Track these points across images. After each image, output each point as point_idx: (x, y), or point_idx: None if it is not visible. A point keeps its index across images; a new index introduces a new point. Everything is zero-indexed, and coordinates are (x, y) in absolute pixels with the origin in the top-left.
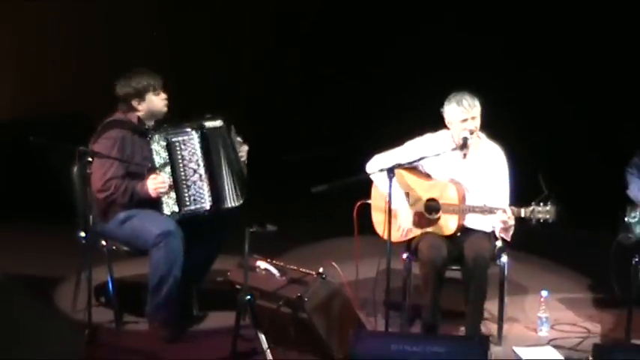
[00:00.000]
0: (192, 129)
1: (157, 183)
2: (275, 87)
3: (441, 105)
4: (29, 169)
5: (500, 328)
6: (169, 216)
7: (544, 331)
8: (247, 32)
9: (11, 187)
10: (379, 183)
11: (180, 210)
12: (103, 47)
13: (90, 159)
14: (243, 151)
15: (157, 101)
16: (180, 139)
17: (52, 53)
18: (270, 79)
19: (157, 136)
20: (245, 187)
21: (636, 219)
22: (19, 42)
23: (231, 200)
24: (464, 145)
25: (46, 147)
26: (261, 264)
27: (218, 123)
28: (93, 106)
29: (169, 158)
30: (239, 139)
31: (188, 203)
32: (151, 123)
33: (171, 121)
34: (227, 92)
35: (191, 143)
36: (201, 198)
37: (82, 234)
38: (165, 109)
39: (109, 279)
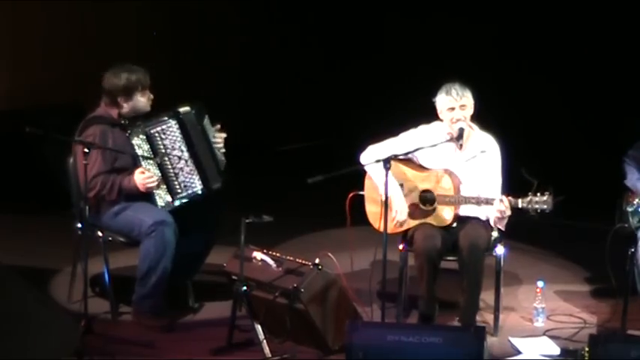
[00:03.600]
0: (169, 117)
1: (145, 178)
2: (269, 79)
3: (434, 97)
4: (24, 159)
5: (496, 319)
6: (164, 207)
7: (540, 322)
8: (240, 22)
9: (6, 177)
10: (374, 174)
11: (173, 199)
12: (98, 37)
13: (86, 150)
14: (220, 137)
15: (142, 101)
16: (159, 128)
17: (48, 43)
18: (265, 71)
19: (135, 130)
20: (221, 172)
21: (633, 209)
22: (14, 31)
23: (218, 179)
24: (460, 136)
25: (42, 137)
26: (258, 254)
27: (188, 108)
28: (88, 95)
29: (152, 150)
30: (217, 126)
31: (180, 191)
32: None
33: (148, 114)
34: (221, 85)
35: (170, 131)
36: (192, 183)
37: (78, 224)
38: (148, 108)
39: (105, 269)
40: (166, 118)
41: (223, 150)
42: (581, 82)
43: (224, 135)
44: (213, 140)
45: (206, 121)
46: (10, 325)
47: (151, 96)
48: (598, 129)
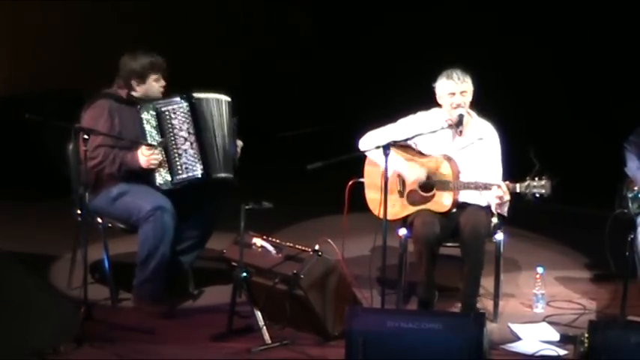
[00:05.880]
0: (182, 98)
1: (150, 155)
2: (269, 65)
3: (435, 82)
4: (24, 145)
5: (495, 305)
6: (162, 184)
7: (539, 308)
8: (241, 10)
9: (5, 164)
10: (376, 158)
11: (172, 179)
12: (97, 23)
13: (86, 136)
14: (238, 145)
15: (155, 87)
16: (169, 107)
17: (46, 29)
18: (265, 57)
19: (146, 106)
20: (233, 167)
21: (632, 194)
22: (14, 18)
23: (222, 170)
24: (459, 123)
25: (41, 124)
26: (257, 241)
27: (217, 96)
28: (88, 82)
29: (159, 127)
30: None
31: (180, 172)
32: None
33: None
34: (221, 70)
35: (181, 112)
36: (193, 166)
37: (78, 211)
38: (160, 95)
39: (105, 256)
40: (179, 99)
41: (239, 154)
42: (581, 67)
43: (241, 143)
44: (233, 138)
45: (231, 118)
46: (11, 312)
47: (164, 83)
48: (598, 115)
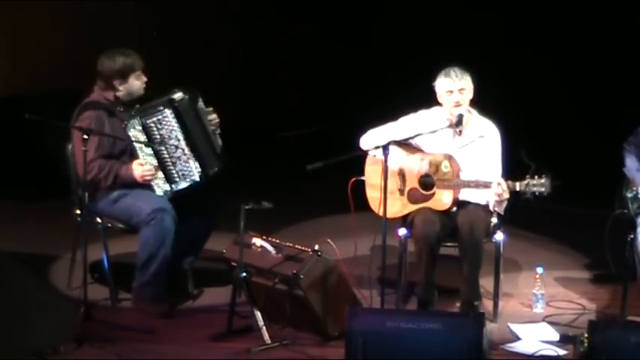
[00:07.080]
0: (164, 106)
1: (144, 170)
2: (269, 65)
3: (434, 81)
4: (24, 145)
5: (495, 305)
6: (162, 196)
7: (539, 308)
8: (239, 7)
9: (5, 164)
10: (377, 155)
11: (172, 188)
12: (98, 22)
13: (85, 136)
14: (213, 119)
15: (137, 84)
16: (154, 119)
17: (48, 29)
18: (264, 57)
19: (131, 122)
20: (220, 154)
21: (632, 194)
22: (14, 18)
23: (215, 162)
24: (459, 122)
25: (41, 124)
26: (257, 241)
27: (181, 94)
28: (88, 82)
29: (148, 141)
30: (209, 109)
31: (177, 179)
32: (126, 102)
33: (143, 99)
34: (221, 72)
35: (166, 121)
36: (189, 171)
37: (77, 211)
38: (142, 91)
39: (104, 256)
40: (162, 108)
41: (219, 131)
42: (581, 67)
43: (216, 117)
44: (209, 122)
45: (200, 105)
46: (10, 312)
47: (145, 79)
48: (598, 115)
